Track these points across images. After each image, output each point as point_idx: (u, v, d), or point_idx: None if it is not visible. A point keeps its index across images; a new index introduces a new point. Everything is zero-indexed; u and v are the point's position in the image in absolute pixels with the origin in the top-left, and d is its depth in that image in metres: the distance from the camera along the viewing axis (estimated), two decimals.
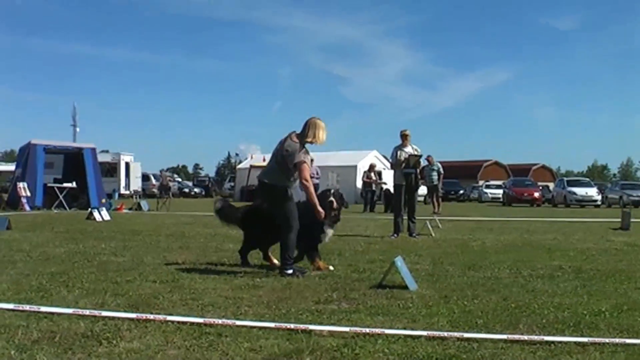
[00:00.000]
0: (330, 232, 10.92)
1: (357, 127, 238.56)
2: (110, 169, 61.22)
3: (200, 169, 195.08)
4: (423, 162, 32.05)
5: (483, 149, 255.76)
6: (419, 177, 17.78)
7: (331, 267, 10.67)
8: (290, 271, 10.03)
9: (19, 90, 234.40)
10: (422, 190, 37.01)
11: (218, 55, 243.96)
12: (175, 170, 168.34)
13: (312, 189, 10.39)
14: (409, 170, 17.52)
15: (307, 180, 10.28)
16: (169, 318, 6.63)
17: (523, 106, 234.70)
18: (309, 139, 10.37)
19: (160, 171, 52.44)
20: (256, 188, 10.97)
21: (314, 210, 10.30)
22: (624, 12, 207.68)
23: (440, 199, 35.28)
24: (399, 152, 17.65)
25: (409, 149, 17.62)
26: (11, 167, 56.08)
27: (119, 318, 6.66)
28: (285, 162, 10.25)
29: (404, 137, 17.78)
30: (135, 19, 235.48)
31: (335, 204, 10.76)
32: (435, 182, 34.20)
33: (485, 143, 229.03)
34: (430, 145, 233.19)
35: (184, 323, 6.45)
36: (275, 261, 10.91)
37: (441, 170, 34.43)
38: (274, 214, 10.45)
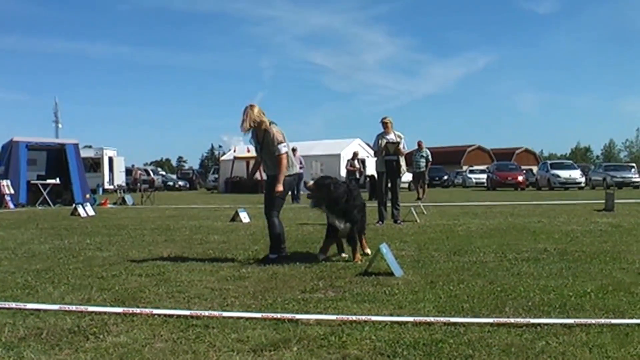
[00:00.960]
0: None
1: (340, 115, 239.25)
2: (94, 164, 61.03)
3: (184, 161, 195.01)
4: (412, 147, 32.04)
5: (466, 134, 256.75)
6: (401, 163, 17.71)
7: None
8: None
9: None
10: (407, 176, 37.04)
11: (199, 48, 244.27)
12: (159, 163, 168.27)
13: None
14: (390, 157, 17.53)
15: None
16: (156, 311, 6.63)
17: (505, 91, 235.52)
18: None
19: (132, 166, 52.39)
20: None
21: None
22: None
23: (426, 186, 35.20)
24: (380, 140, 17.66)
25: (391, 136, 17.63)
26: None
27: (105, 313, 6.65)
28: None
29: (385, 124, 17.78)
30: (113, 14, 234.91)
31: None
32: (423, 169, 34.02)
33: (468, 128, 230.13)
34: (414, 132, 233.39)
35: (170, 316, 6.45)
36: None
37: (430, 157, 34.29)
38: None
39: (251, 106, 10.84)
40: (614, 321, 6.00)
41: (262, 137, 10.91)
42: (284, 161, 10.78)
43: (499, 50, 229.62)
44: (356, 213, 10.50)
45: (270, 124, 10.87)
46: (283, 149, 10.80)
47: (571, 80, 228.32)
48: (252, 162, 56.97)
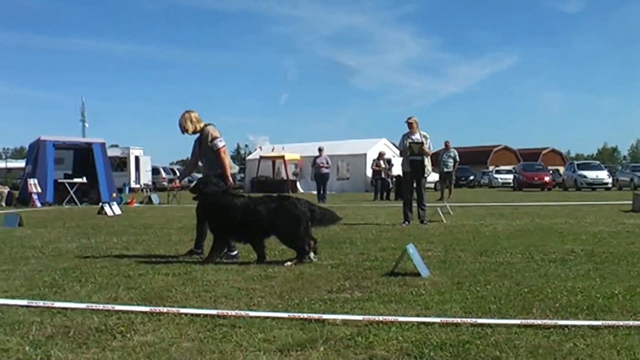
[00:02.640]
0: None
1: (366, 115, 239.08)
2: (120, 163, 61.21)
3: None
4: (438, 147, 31.90)
5: (492, 134, 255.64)
6: (425, 163, 17.65)
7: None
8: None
9: (27, 89, 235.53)
10: (433, 176, 36.91)
11: (225, 48, 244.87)
12: (185, 163, 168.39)
13: None
14: (414, 157, 17.48)
15: None
16: (182, 310, 6.64)
17: (531, 90, 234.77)
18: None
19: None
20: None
21: None
22: None
23: (452, 186, 34.99)
24: (405, 140, 17.62)
25: (416, 136, 17.58)
26: (21, 164, 56.23)
27: (132, 312, 6.67)
28: None
29: (410, 124, 17.74)
30: (139, 13, 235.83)
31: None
32: (450, 169, 33.82)
33: (494, 128, 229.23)
34: (439, 132, 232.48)
35: (197, 315, 6.46)
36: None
37: (457, 157, 34.06)
38: None
39: (188, 111, 11.50)
40: None
41: (200, 140, 11.54)
42: (224, 155, 11.42)
43: (525, 49, 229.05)
44: (218, 217, 10.64)
45: (205, 125, 11.52)
46: (220, 143, 11.33)
47: (598, 80, 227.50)
48: (278, 162, 57.28)
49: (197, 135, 11.50)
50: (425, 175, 17.79)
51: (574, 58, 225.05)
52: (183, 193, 33.72)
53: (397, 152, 22.80)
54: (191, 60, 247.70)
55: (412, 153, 17.46)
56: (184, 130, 11.38)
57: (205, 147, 11.35)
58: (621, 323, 5.94)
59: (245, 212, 10.44)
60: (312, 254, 10.49)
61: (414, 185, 17.80)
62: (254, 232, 10.53)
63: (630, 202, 22.83)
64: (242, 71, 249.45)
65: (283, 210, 10.38)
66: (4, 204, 31.87)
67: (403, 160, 17.99)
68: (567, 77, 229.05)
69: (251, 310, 6.73)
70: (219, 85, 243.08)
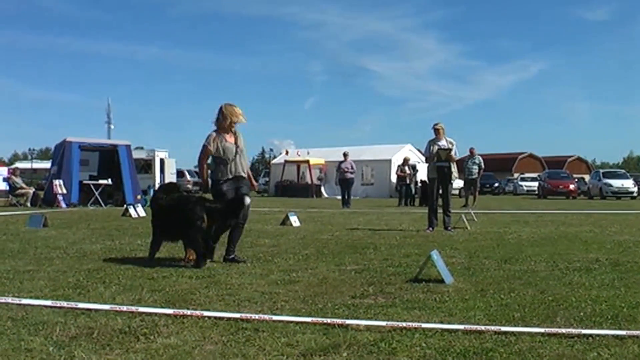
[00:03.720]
0: None
1: (391, 121, 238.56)
2: (145, 166, 61.36)
3: None
4: (463, 154, 31.80)
5: (517, 141, 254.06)
6: (452, 170, 17.63)
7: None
8: (232, 257, 11.07)
9: (54, 91, 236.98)
10: (458, 183, 36.85)
11: (250, 52, 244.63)
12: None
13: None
14: (441, 164, 17.45)
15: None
16: (206, 314, 6.65)
17: (557, 98, 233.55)
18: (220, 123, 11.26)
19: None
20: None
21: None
22: None
23: (477, 193, 34.84)
24: (432, 146, 17.60)
25: (442, 142, 17.55)
26: (47, 164, 56.59)
27: (156, 314, 6.69)
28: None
29: (436, 130, 17.72)
30: (164, 17, 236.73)
31: None
32: (475, 176, 33.63)
33: (519, 136, 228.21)
34: (465, 139, 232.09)
35: (220, 318, 6.48)
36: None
37: (482, 164, 33.89)
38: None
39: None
40: None
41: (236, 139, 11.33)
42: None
43: (551, 57, 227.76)
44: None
45: None
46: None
47: (624, 89, 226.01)
48: (302, 166, 57.26)
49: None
50: (452, 181, 17.75)
51: (600, 66, 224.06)
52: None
53: (422, 158, 22.74)
54: (217, 64, 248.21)
55: (439, 159, 17.42)
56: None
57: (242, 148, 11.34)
58: None
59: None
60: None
61: (440, 191, 17.77)
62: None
63: None
64: (268, 76, 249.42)
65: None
66: (29, 205, 32.05)
67: (429, 166, 17.95)
68: (593, 85, 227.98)
69: (274, 314, 6.73)
70: (244, 89, 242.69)
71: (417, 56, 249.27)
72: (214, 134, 11.09)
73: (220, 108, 11.16)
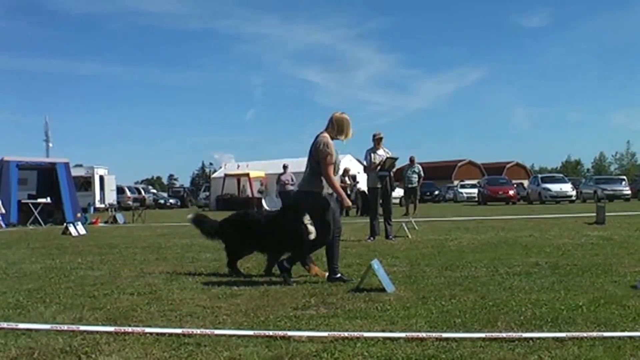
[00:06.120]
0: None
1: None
2: (85, 183, 60.90)
3: (175, 179, 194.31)
4: (404, 163, 31.99)
5: (457, 149, 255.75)
6: (393, 179, 17.78)
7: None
8: (338, 275, 10.13)
9: None
10: (398, 192, 37.00)
11: (189, 66, 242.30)
12: (150, 181, 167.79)
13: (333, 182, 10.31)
14: (383, 173, 17.56)
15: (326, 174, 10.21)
16: (147, 330, 6.61)
17: (496, 105, 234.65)
18: (338, 136, 10.53)
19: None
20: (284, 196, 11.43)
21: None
22: (594, 9, 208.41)
23: (417, 201, 35.00)
24: (372, 155, 17.68)
25: (381, 152, 17.67)
26: None
27: (97, 332, 6.62)
28: (317, 163, 10.25)
29: (377, 140, 17.82)
30: (104, 32, 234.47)
31: None
32: (415, 184, 33.72)
33: (459, 143, 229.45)
34: (404, 148, 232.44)
35: (162, 334, 6.44)
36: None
37: (422, 173, 33.98)
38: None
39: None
40: (606, 334, 6.02)
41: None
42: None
43: (490, 65, 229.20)
44: None
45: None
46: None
47: (562, 94, 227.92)
48: (243, 179, 57.02)
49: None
50: (392, 190, 17.86)
51: (538, 72, 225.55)
52: (148, 212, 33.58)
53: (361, 168, 22.76)
54: (156, 80, 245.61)
55: (382, 168, 17.51)
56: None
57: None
58: (585, 335, 6.00)
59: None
60: None
61: (381, 200, 17.85)
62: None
63: (594, 214, 23.04)
64: (209, 90, 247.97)
65: None
66: None
67: (370, 176, 18.00)
68: (530, 92, 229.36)
69: (217, 328, 6.71)
70: (184, 104, 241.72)
71: (355, 66, 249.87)
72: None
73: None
